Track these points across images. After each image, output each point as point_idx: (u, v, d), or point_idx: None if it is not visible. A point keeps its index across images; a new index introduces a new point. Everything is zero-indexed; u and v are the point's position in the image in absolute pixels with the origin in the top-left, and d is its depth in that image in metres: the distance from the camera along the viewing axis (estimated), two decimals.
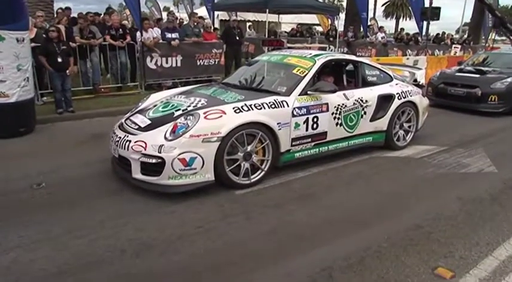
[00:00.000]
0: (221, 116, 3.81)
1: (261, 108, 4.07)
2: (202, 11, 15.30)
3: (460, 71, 9.23)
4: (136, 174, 3.77)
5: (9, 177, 4.24)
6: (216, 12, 14.63)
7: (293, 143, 4.39)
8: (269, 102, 4.17)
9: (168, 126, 3.82)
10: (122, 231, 3.17)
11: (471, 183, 4.47)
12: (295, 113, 4.31)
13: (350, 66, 5.52)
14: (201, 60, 9.84)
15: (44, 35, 7.49)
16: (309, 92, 4.50)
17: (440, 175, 4.72)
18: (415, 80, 6.15)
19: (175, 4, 47.09)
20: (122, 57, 8.84)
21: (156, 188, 3.73)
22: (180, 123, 3.80)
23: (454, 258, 2.92)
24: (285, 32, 19.16)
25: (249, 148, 3.98)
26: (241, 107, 3.98)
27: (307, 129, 4.46)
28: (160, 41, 9.18)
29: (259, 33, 15.62)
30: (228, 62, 10.70)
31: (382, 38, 16.83)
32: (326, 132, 4.67)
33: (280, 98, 4.30)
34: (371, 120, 5.17)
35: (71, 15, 10.39)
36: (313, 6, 13.08)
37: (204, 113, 3.81)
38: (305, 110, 4.41)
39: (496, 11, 12.48)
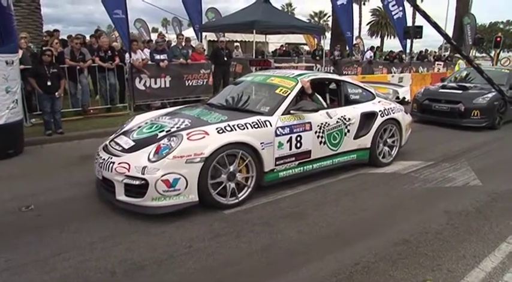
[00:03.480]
0: (204, 137, 3.82)
1: (244, 128, 4.09)
2: (190, 32, 15.49)
3: (444, 87, 9.48)
4: (120, 196, 3.75)
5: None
6: (203, 33, 14.81)
7: (277, 163, 4.40)
8: (252, 122, 4.20)
9: (152, 148, 3.83)
10: (112, 252, 3.16)
11: (457, 197, 4.56)
12: (278, 133, 4.34)
13: (333, 85, 5.60)
14: (189, 81, 9.94)
15: (33, 57, 7.56)
16: (291, 112, 4.55)
17: (426, 190, 4.80)
18: (398, 98, 6.28)
19: (164, 25, 47.55)
20: (111, 78, 8.89)
21: (139, 209, 3.69)
22: (163, 144, 3.81)
23: (441, 272, 2.97)
24: (272, 52, 19.46)
25: (231, 168, 3.98)
26: (224, 127, 4.01)
27: (290, 149, 4.48)
28: (149, 62, 9.27)
29: (247, 54, 15.83)
30: (217, 82, 10.82)
31: (370, 56, 17.23)
32: (310, 150, 4.69)
33: (263, 118, 4.33)
34: (355, 138, 5.23)
35: (60, 37, 10.49)
36: (299, 27, 13.36)
37: (187, 134, 3.82)
38: (288, 129, 4.44)
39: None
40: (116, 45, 9.93)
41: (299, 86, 4.84)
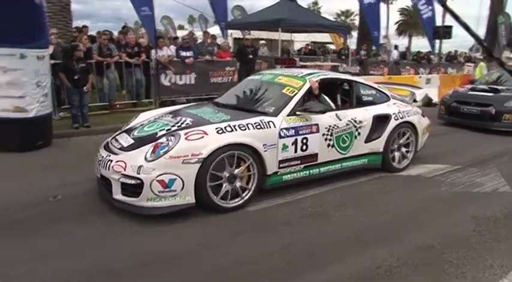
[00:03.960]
0: (203, 137, 3.71)
1: (245, 129, 3.94)
2: (215, 30, 15.55)
3: (473, 89, 9.18)
4: (117, 194, 3.69)
5: (28, 189, 4.33)
6: (229, 31, 14.85)
7: (281, 165, 4.23)
8: (254, 123, 4.05)
9: (150, 147, 3.75)
10: (124, 249, 3.19)
11: (485, 202, 4.40)
12: (282, 134, 4.17)
13: (344, 86, 5.38)
14: (214, 78, 10.00)
15: (63, 52, 7.75)
16: (297, 113, 4.38)
17: (453, 194, 4.66)
18: (415, 100, 6.03)
19: (190, 23, 47.92)
20: (137, 74, 9.04)
21: (135, 209, 3.62)
22: (161, 143, 3.73)
23: (466, 280, 2.87)
24: (297, 50, 19.35)
25: (231, 170, 3.86)
26: (225, 127, 3.87)
27: (296, 151, 4.30)
28: (175, 58, 9.36)
29: (272, 52, 15.79)
30: (241, 79, 10.80)
31: (397, 56, 16.91)
32: (317, 154, 4.50)
33: (266, 119, 4.18)
34: (366, 141, 5.01)
35: (88, 33, 10.71)
36: (325, 25, 13.24)
37: (185, 134, 3.73)
38: (293, 131, 4.27)
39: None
40: (142, 41, 10.06)
41: (307, 86, 4.68)
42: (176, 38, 12.78)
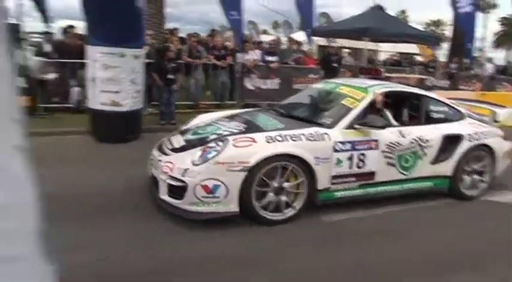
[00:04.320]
0: (251, 145, 3.61)
1: (296, 140, 3.76)
2: (299, 36, 15.54)
3: None
4: (163, 195, 3.72)
5: (115, 179, 4.58)
6: (314, 37, 14.75)
7: (333, 181, 3.99)
8: (308, 134, 3.86)
9: (198, 150, 3.73)
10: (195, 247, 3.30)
11: None
12: (337, 148, 3.93)
13: (412, 100, 4.98)
14: (297, 84, 9.98)
15: (156, 53, 8.19)
16: (356, 126, 4.11)
17: None
18: (496, 121, 5.36)
19: (274, 28, 48.46)
20: (222, 76, 9.34)
21: (179, 212, 3.61)
22: (209, 148, 3.69)
23: None
24: (382, 60, 18.71)
25: (279, 182, 3.72)
26: (275, 136, 3.74)
27: (351, 167, 4.04)
28: (260, 63, 9.48)
29: (357, 61, 15.41)
30: None
31: (492, 70, 15.65)
32: (374, 172, 4.20)
33: (321, 130, 3.96)
34: (432, 163, 4.57)
35: (179, 35, 11.23)
36: (412, 35, 12.58)
37: (234, 140, 3.65)
38: (350, 145, 4.01)
39: None
40: (228, 44, 10.34)
41: (369, 97, 4.37)
42: (261, 42, 12.96)
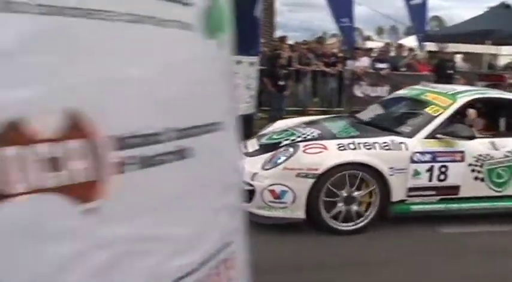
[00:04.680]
0: (322, 152, 3.52)
1: (370, 148, 3.61)
2: (410, 41, 14.90)
3: None
4: None
5: None
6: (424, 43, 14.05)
7: (410, 194, 3.74)
8: (383, 143, 3.67)
9: (269, 155, 3.71)
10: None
11: None
12: (415, 159, 3.68)
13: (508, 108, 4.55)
14: None
15: (268, 60, 8.51)
16: (438, 136, 3.81)
17: None
18: None
19: (378, 33, 47.02)
20: (331, 83, 9.35)
21: (247, 215, 3.62)
22: (279, 153, 3.67)
23: None
24: (503, 65, 17.04)
25: (350, 191, 3.58)
26: (348, 144, 3.62)
27: (430, 180, 3.75)
28: (370, 70, 9.32)
29: (473, 66, 14.28)
30: None
31: None
32: (458, 186, 3.85)
33: (399, 139, 3.74)
34: None
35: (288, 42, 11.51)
36: None
37: (304, 146, 3.59)
38: (430, 156, 3.73)
39: None
40: (335, 51, 10.32)
41: (456, 105, 4.04)
42: (370, 49, 12.69)
